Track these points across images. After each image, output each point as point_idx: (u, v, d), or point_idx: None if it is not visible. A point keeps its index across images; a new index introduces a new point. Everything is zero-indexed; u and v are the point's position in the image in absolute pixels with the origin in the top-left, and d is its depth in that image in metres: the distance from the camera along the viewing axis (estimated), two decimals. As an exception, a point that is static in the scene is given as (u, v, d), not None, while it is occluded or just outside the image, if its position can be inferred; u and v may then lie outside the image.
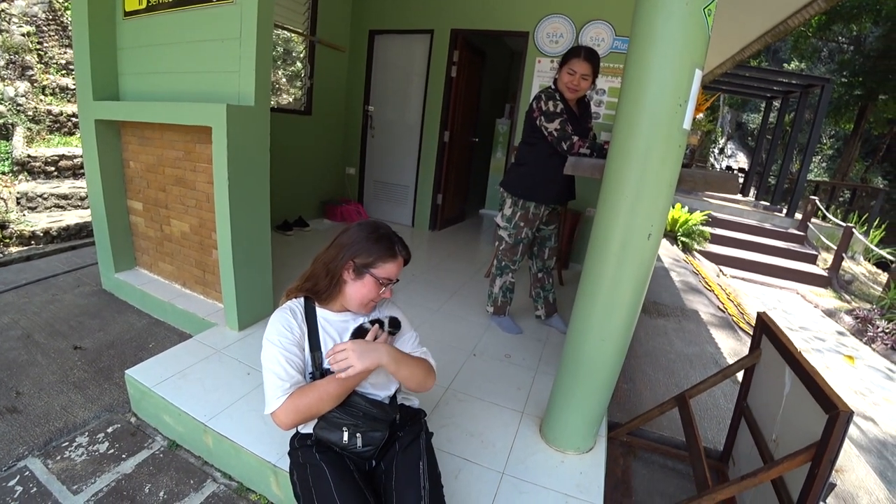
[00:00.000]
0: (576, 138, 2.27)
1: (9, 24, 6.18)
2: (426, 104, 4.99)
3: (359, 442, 1.25)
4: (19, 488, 1.62)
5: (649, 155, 1.39)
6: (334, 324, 1.32)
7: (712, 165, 20.10)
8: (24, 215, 4.39)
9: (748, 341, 3.82)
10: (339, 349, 1.18)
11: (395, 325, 1.33)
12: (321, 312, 1.33)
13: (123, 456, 1.81)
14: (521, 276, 3.52)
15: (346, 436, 1.24)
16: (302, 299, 1.34)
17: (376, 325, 1.27)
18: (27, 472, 1.70)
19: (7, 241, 4.03)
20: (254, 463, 1.65)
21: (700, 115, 14.07)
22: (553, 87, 2.42)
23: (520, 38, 4.49)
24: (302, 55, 4.92)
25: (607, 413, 1.96)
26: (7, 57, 6.04)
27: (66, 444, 1.86)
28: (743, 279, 7.09)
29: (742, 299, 5.86)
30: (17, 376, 2.27)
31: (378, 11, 5.06)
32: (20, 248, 4.05)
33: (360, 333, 1.28)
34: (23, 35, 6.19)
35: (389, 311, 1.39)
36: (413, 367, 1.26)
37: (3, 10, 6.16)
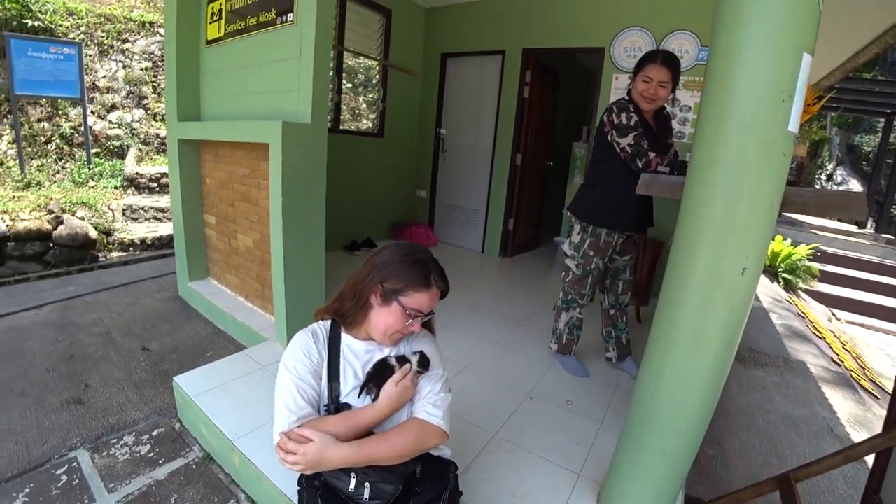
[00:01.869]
0: (652, 155, 1.96)
1: (131, 60, 7.13)
2: (498, 126, 4.87)
3: (366, 493, 1.08)
4: (64, 478, 1.69)
5: (742, 166, 1.09)
6: (358, 353, 1.18)
7: (823, 194, 17.65)
8: (126, 225, 4.88)
9: (874, 406, 3.10)
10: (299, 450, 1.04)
11: (423, 363, 1.16)
12: (346, 339, 1.20)
13: (160, 461, 1.81)
14: (593, 311, 3.18)
15: (353, 483, 1.08)
16: (329, 322, 1.22)
17: (406, 366, 1.14)
18: (74, 464, 1.77)
19: (110, 246, 4.48)
20: (273, 493, 1.53)
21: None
22: (627, 98, 2.15)
23: (595, 55, 4.24)
24: (375, 80, 5.04)
25: (685, 486, 1.60)
26: (128, 88, 6.92)
27: (115, 440, 1.92)
28: (862, 325, 5.96)
29: (862, 350, 4.89)
30: (89, 370, 2.44)
31: (450, 35, 5.09)
32: (120, 254, 4.47)
33: (382, 369, 1.14)
34: (141, 70, 7.03)
35: (420, 344, 1.22)
36: (389, 446, 1.07)
37: (127, 50, 7.13)
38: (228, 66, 2.83)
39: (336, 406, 1.12)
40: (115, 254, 4.45)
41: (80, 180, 5.74)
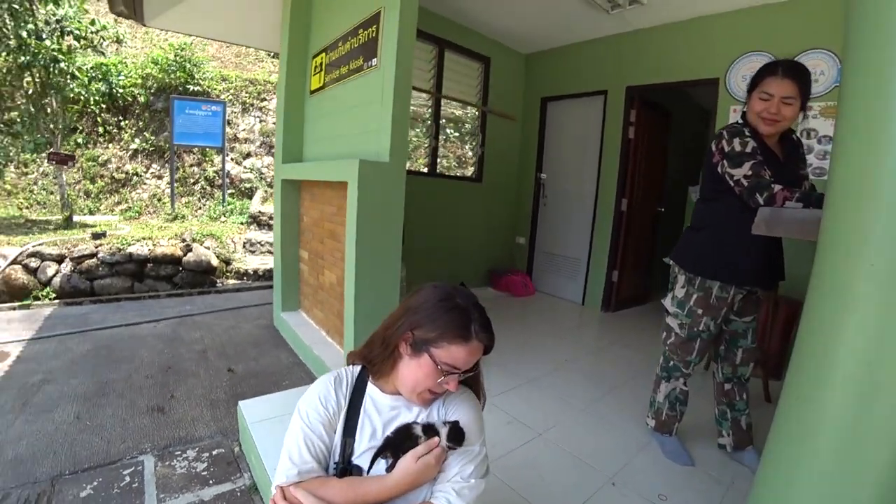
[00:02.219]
0: (777, 188, 1.53)
1: (266, 115, 8.22)
2: (601, 169, 4.54)
3: None
4: (126, 479, 1.76)
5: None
6: (382, 409, 1.01)
7: None
8: (244, 256, 5.40)
9: None
10: None
11: (455, 437, 0.94)
12: (371, 390, 1.03)
13: (211, 482, 1.80)
14: (706, 382, 2.64)
15: None
16: (358, 368, 1.07)
17: (434, 440, 0.93)
18: (140, 467, 1.84)
19: (228, 274, 4.96)
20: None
21: None
22: (741, 121, 1.78)
23: (708, 87, 3.78)
24: (469, 115, 5.10)
25: None
26: (262, 139, 7.92)
27: (179, 452, 1.97)
28: None
29: None
30: (179, 382, 2.62)
31: (550, 78, 4.98)
32: (234, 282, 4.92)
33: (403, 438, 0.95)
34: (274, 123, 7.80)
35: (458, 411, 1.00)
36: None
37: (264, 107, 8.30)
38: (325, 112, 3.01)
39: (346, 467, 0.94)
40: (230, 281, 4.91)
41: (215, 216, 6.59)
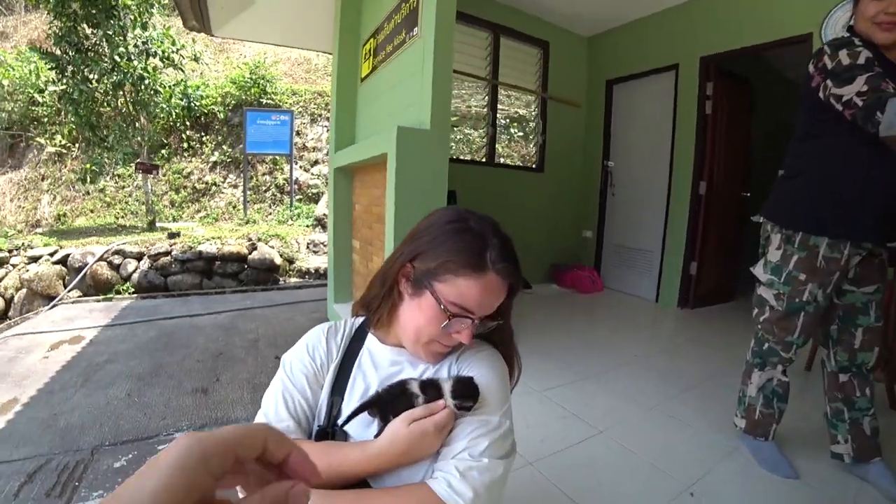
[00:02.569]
0: None
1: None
2: (674, 152, 4.10)
3: None
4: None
5: None
6: (380, 363, 0.82)
7: None
8: (307, 256, 5.52)
9: None
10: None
11: (465, 394, 0.71)
12: (370, 341, 0.85)
13: None
14: (813, 375, 2.19)
15: None
16: (361, 319, 0.91)
17: (439, 402, 0.71)
18: None
19: (290, 272, 5.11)
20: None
21: None
22: (848, 34, 1.41)
23: (797, 50, 3.24)
24: (534, 112, 4.85)
25: None
26: (328, 147, 8.18)
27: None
28: None
29: None
30: (227, 367, 2.66)
31: (615, 59, 4.61)
32: (296, 279, 5.04)
33: (395, 395, 0.74)
34: None
35: (477, 367, 0.79)
36: None
37: (331, 116, 8.53)
38: (374, 96, 2.95)
39: (330, 431, 0.76)
40: (292, 279, 5.04)
41: (283, 220, 6.87)
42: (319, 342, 0.84)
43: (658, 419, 1.95)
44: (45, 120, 8.47)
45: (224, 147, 8.32)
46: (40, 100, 8.13)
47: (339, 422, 0.77)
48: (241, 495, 0.29)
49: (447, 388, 0.71)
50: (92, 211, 7.80)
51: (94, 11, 5.55)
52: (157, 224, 6.01)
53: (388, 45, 2.69)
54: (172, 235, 4.78)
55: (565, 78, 4.75)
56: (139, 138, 6.16)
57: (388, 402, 0.73)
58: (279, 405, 0.77)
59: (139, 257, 4.39)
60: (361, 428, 0.75)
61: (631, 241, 4.62)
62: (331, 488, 0.67)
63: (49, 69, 5.95)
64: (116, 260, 4.33)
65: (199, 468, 0.25)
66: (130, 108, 5.95)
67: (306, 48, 6.07)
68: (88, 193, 8.03)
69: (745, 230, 4.62)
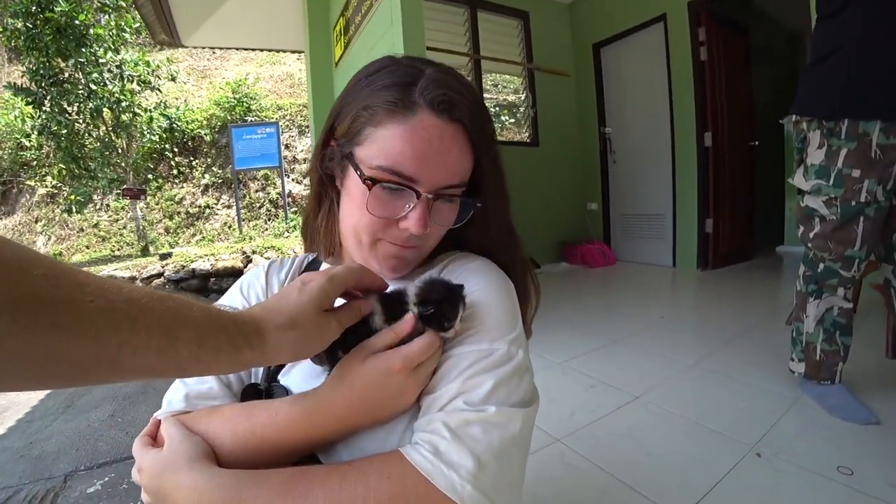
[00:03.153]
0: None
1: None
2: (673, 106, 3.89)
3: None
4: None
5: None
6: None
7: None
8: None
9: None
10: None
11: (436, 295, 0.48)
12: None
13: None
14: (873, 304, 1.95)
15: None
16: (314, 255, 0.71)
17: (406, 319, 0.47)
18: None
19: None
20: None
21: None
22: None
23: None
24: (522, 97, 4.66)
25: None
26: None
27: None
28: None
29: None
30: None
31: (598, 20, 4.44)
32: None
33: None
34: None
35: (462, 278, 0.53)
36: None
37: None
38: (349, 74, 2.76)
39: (266, 388, 0.55)
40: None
41: (279, 233, 6.68)
42: (257, 279, 0.65)
43: (700, 377, 1.72)
44: (35, 163, 8.41)
45: (214, 169, 8.20)
46: (27, 144, 8.07)
47: (282, 378, 0.55)
48: None
49: (412, 293, 0.49)
50: (87, 247, 7.69)
51: (63, 43, 5.44)
52: (151, 251, 5.85)
53: (356, 16, 2.52)
54: (164, 256, 4.61)
55: (550, 47, 4.55)
56: (123, 164, 6.02)
57: (340, 341, 0.48)
58: None
59: (131, 281, 4.22)
60: (307, 381, 0.53)
61: (639, 207, 4.40)
62: (261, 467, 0.45)
63: (27, 105, 5.83)
64: (107, 287, 4.17)
65: (332, 290, 0.44)
66: (111, 133, 5.81)
67: (279, 48, 5.94)
68: (83, 230, 7.93)
69: (757, 182, 4.40)
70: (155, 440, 0.50)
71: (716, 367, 1.79)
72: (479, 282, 0.55)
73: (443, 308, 0.46)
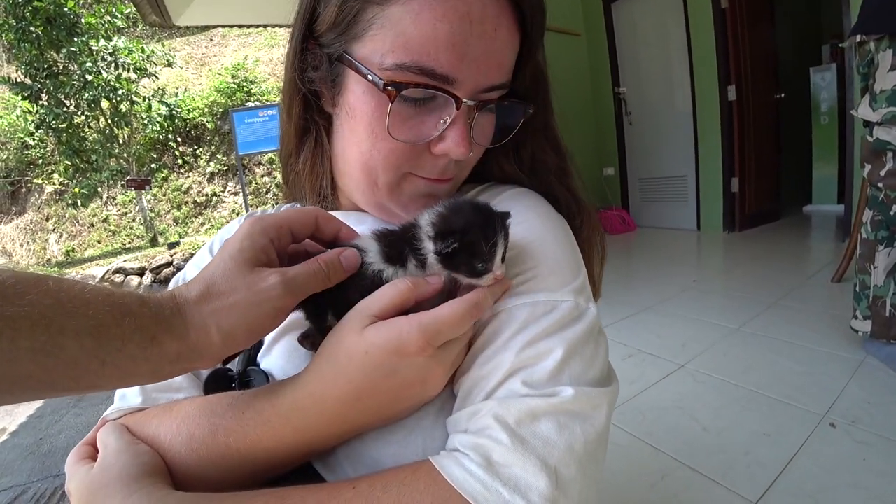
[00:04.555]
0: None
1: None
2: (693, 60, 3.64)
3: None
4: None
5: None
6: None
7: None
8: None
9: None
10: None
11: (465, 227, 0.32)
12: None
13: None
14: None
15: None
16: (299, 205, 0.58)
17: (428, 279, 0.33)
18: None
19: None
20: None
21: None
22: None
23: None
24: None
25: None
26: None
27: None
28: None
29: None
30: None
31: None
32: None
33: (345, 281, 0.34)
34: None
35: (509, 202, 0.43)
36: None
37: None
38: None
39: (241, 375, 0.41)
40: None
41: (289, 216, 6.63)
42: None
43: (748, 342, 1.57)
44: (41, 161, 8.38)
45: (218, 156, 8.08)
46: (31, 143, 8.04)
47: (261, 358, 0.42)
48: None
49: (425, 222, 0.34)
50: (99, 242, 7.68)
51: (55, 33, 5.29)
52: (161, 242, 5.80)
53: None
54: (172, 246, 4.55)
55: (558, 6, 4.28)
56: (126, 155, 5.93)
57: (325, 301, 0.34)
58: None
59: (141, 273, 4.16)
60: (291, 360, 0.40)
61: (659, 169, 4.18)
62: (230, 484, 0.33)
63: (23, 99, 5.73)
64: (118, 278, 4.11)
65: (259, 235, 0.31)
66: (111, 124, 5.70)
67: (274, 24, 5.73)
68: (93, 225, 7.92)
69: (783, 138, 4.15)
70: (97, 449, 0.37)
71: (763, 330, 1.64)
72: (526, 213, 0.41)
73: (471, 239, 0.31)
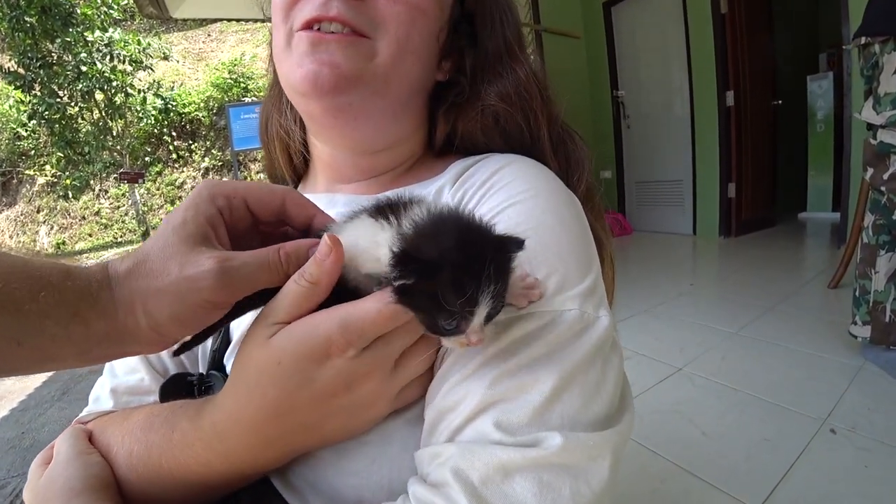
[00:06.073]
0: None
1: None
2: (692, 65, 3.64)
3: None
4: None
5: None
6: None
7: None
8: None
9: None
10: None
11: (440, 260, 0.23)
12: None
13: None
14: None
15: None
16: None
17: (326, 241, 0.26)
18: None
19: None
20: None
21: None
22: None
23: None
24: (530, 53, 4.40)
25: None
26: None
27: None
28: None
29: None
30: None
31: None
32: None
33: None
34: None
35: (489, 183, 0.36)
36: None
37: None
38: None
39: (200, 379, 0.37)
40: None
41: (282, 212, 6.61)
42: None
43: (747, 346, 1.56)
44: (33, 153, 8.28)
45: (213, 151, 8.02)
46: (24, 133, 7.94)
47: (227, 358, 0.39)
48: None
49: (396, 234, 0.26)
50: (90, 235, 7.59)
51: (50, 23, 5.23)
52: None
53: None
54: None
55: (558, 8, 4.28)
56: (119, 147, 5.86)
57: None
58: None
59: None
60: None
61: (656, 173, 4.18)
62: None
63: (15, 89, 5.65)
64: (108, 273, 4.06)
65: (206, 203, 0.26)
66: (105, 116, 5.63)
67: (270, 18, 5.73)
68: (84, 218, 7.83)
69: (779, 145, 4.17)
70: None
71: (761, 334, 1.63)
72: (523, 187, 0.35)
73: (439, 279, 0.23)
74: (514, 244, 0.25)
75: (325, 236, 0.26)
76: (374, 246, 0.26)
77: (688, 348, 1.55)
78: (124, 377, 0.38)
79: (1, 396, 2.13)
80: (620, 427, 0.27)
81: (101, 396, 0.38)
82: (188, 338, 0.28)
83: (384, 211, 0.28)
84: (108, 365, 0.40)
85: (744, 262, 2.85)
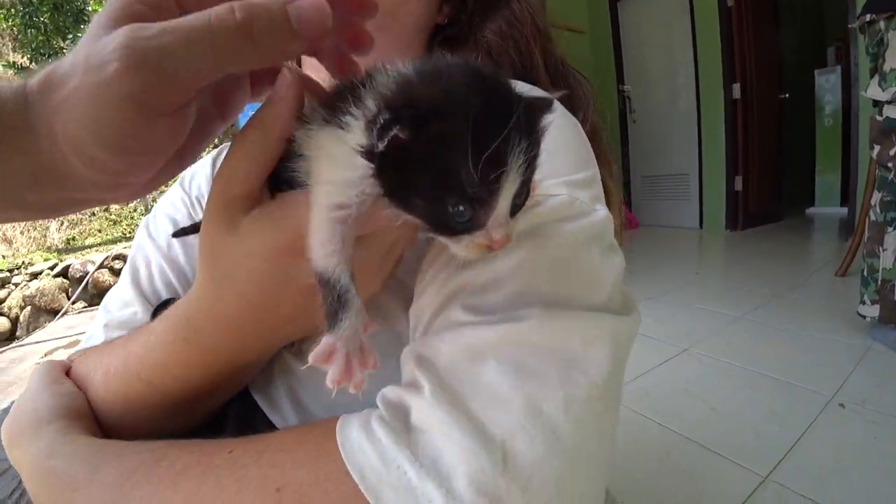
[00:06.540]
0: None
1: None
2: (698, 58, 3.64)
3: None
4: None
5: None
6: None
7: None
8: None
9: None
10: None
11: (444, 101, 0.17)
12: None
13: None
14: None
15: None
16: None
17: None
18: None
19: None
20: None
21: None
22: None
23: None
24: None
25: None
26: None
27: None
28: None
29: None
30: None
31: (615, -30, 4.12)
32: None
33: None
34: None
35: None
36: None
37: None
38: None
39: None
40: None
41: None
42: (203, 167, 0.47)
43: (753, 329, 1.56)
44: (41, 149, 8.38)
45: (218, 140, 8.10)
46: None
47: None
48: None
49: (374, 94, 0.19)
50: (100, 231, 7.66)
51: (62, 20, 5.28)
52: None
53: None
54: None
55: (563, 2, 4.28)
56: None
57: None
58: (123, 281, 0.41)
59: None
60: None
61: (661, 167, 4.17)
62: (147, 429, 0.29)
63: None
64: (118, 265, 4.09)
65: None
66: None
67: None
68: (94, 214, 7.90)
69: (786, 139, 4.15)
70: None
71: (767, 319, 1.63)
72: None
73: (448, 130, 0.17)
74: (544, 104, 0.19)
75: (284, 70, 0.21)
76: (344, 166, 0.19)
77: (694, 331, 1.56)
78: (118, 312, 0.39)
79: (11, 383, 2.15)
80: (623, 318, 0.24)
81: (94, 333, 0.39)
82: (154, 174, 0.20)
83: (337, 107, 0.19)
84: (102, 302, 0.41)
85: (750, 253, 2.84)
